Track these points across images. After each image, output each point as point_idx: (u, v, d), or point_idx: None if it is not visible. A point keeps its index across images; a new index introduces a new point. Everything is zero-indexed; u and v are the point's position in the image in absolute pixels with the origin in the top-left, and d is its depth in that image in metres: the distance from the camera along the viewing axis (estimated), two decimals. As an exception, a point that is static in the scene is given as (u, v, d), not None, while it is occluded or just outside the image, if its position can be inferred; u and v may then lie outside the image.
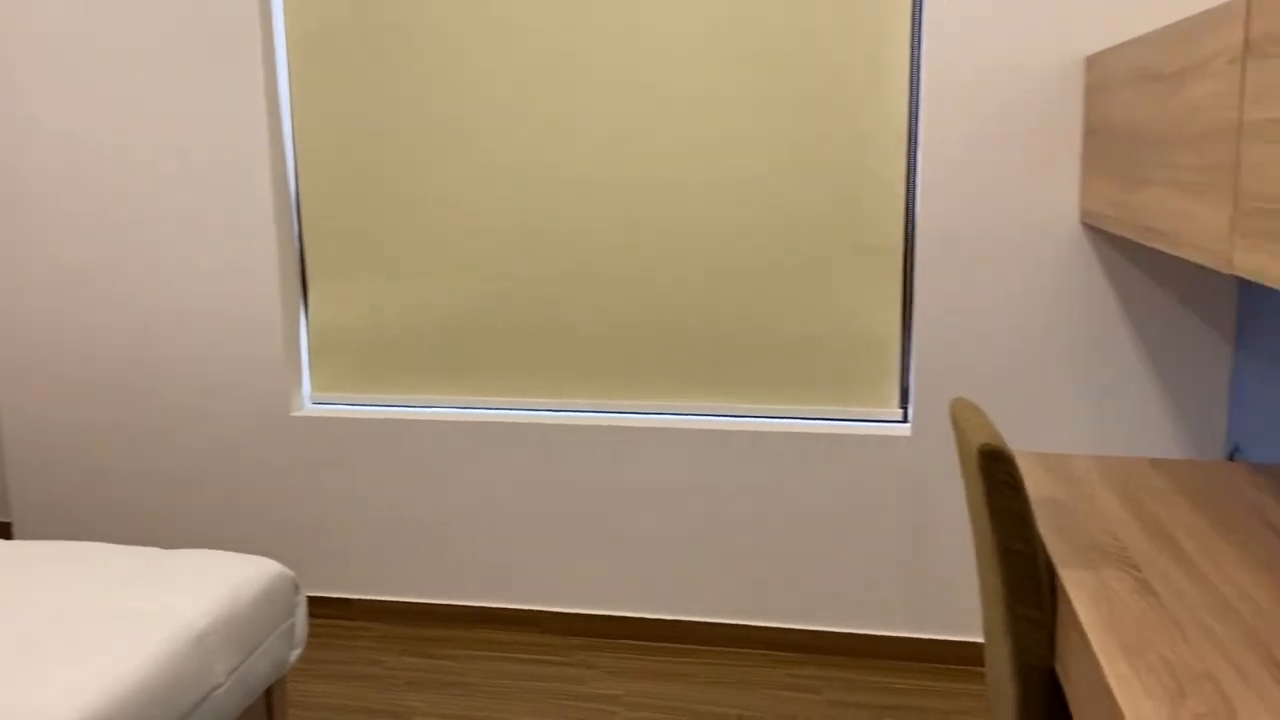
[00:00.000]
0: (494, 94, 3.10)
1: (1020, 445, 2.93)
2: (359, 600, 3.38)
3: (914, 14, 2.84)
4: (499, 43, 3.07)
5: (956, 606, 3.01)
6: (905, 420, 3.04)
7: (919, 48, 2.84)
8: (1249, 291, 2.69)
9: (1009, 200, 2.82)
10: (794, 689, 2.89)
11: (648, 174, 3.05)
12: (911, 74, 2.87)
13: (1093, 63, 2.64)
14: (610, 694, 2.88)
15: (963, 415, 1.85)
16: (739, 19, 2.93)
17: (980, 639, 3.00)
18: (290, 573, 2.39)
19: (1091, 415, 2.87)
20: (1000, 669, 1.79)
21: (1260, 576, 1.65)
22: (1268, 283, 1.48)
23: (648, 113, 3.02)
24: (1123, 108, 2.31)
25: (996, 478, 1.67)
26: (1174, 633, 1.46)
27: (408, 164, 3.18)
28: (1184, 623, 1.50)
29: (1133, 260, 2.79)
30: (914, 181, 2.92)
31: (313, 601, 3.40)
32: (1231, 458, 2.77)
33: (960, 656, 3.00)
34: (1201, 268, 2.76)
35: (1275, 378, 2.53)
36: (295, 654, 2.37)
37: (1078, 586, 1.62)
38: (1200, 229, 1.75)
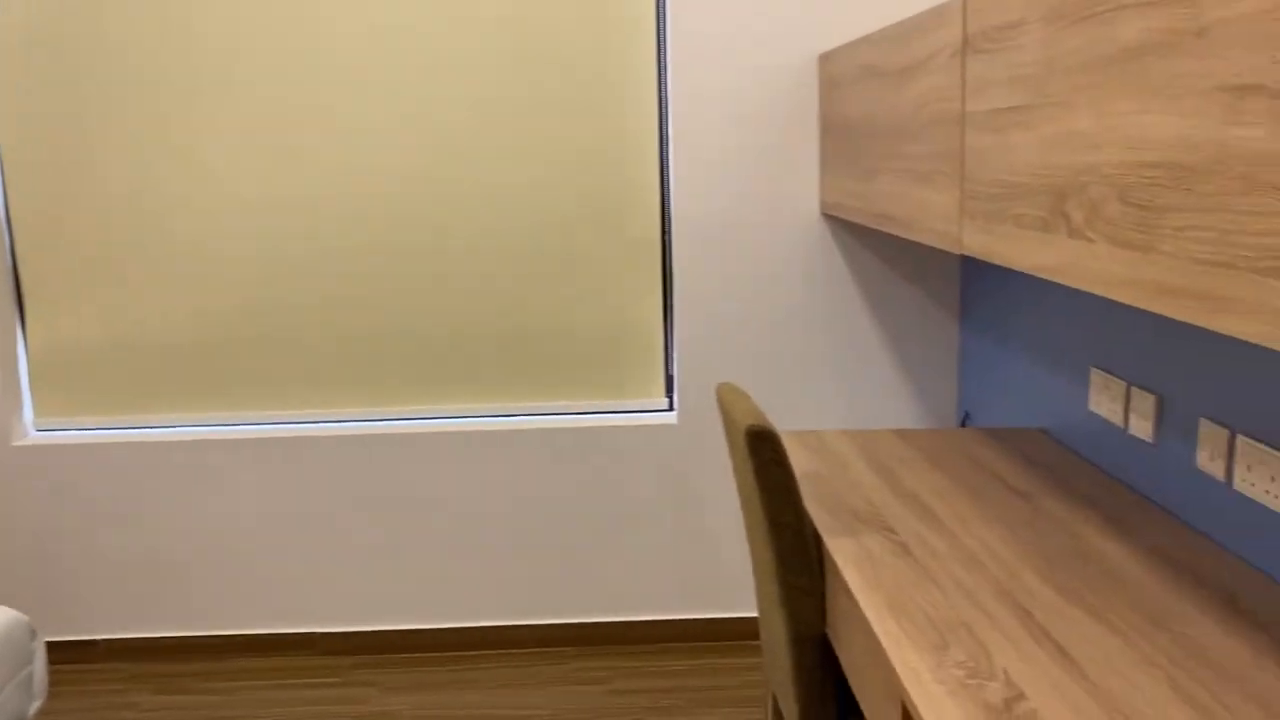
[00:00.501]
0: (227, 101, 2.92)
1: (779, 424, 3.07)
2: (105, 641, 3.11)
3: (658, 17, 2.91)
4: (224, 48, 2.90)
5: (728, 584, 3.11)
6: (671, 408, 3.12)
7: (664, 50, 2.92)
8: (970, 271, 2.93)
9: (756, 193, 2.95)
10: (577, 683, 2.90)
11: (403, 180, 2.97)
12: (659, 76, 2.94)
13: (825, 61, 2.80)
14: (392, 710, 2.79)
15: (729, 399, 1.91)
16: (494, 24, 2.90)
17: (753, 613, 3.13)
18: (24, 618, 2.17)
19: (839, 392, 3.05)
20: (776, 639, 1.86)
21: (1000, 531, 1.80)
22: (993, 260, 1.62)
23: (399, 117, 2.94)
24: (854, 104, 2.46)
25: (764, 456, 1.74)
26: (931, 588, 1.57)
27: (133, 174, 2.95)
28: (939, 578, 1.61)
29: (868, 246, 2.98)
30: (668, 178, 2.99)
31: (53, 647, 3.10)
32: (963, 424, 3.01)
33: (735, 632, 3.11)
34: (929, 251, 2.99)
35: (994, 350, 2.78)
36: (36, 706, 2.15)
37: (842, 553, 1.71)
38: (933, 214, 1.89)
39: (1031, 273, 1.46)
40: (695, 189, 2.94)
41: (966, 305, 2.97)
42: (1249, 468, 1.63)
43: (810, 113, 2.91)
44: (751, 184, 2.94)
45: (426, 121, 2.95)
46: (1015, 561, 1.67)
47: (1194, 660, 1.33)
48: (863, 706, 1.57)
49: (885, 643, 1.41)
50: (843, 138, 2.60)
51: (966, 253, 1.73)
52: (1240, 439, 1.66)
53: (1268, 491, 1.59)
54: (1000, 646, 1.39)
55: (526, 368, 3.07)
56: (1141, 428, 1.96)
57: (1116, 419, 2.06)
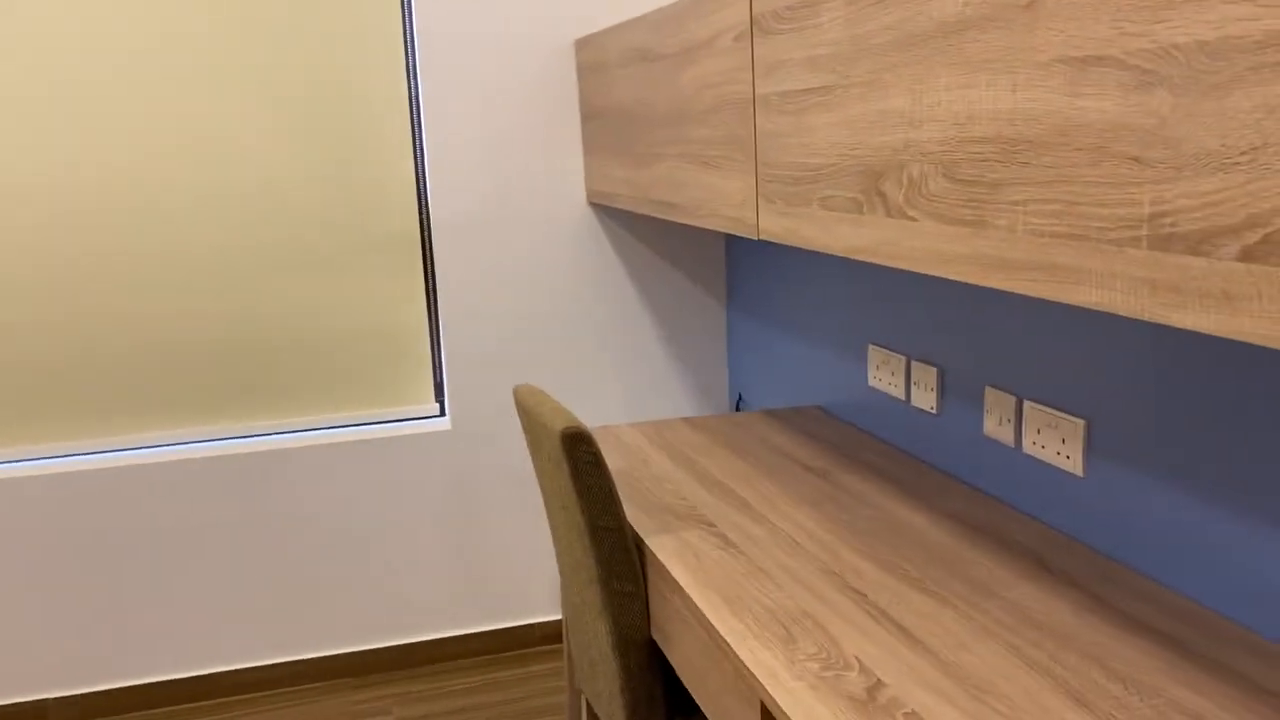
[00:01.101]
0: (-104, 80, 2.48)
1: (556, 423, 2.98)
2: None
3: (404, 5, 2.74)
4: (-105, 16, 2.46)
5: (514, 593, 3.00)
6: (443, 414, 2.96)
7: (411, 36, 2.75)
8: (736, 255, 2.97)
9: (518, 184, 2.84)
10: (360, 715, 2.70)
11: (137, 188, 2.63)
12: (408, 66, 2.77)
13: (583, 46, 2.73)
14: (151, 775, 2.49)
15: (531, 400, 1.81)
16: (225, 9, 2.62)
17: (543, 619, 3.03)
18: None
19: (614, 383, 3.00)
20: (597, 646, 1.78)
21: (809, 512, 1.81)
22: (798, 244, 1.61)
23: (127, 114, 2.60)
24: (624, 89, 2.41)
25: (581, 459, 1.65)
26: (763, 579, 1.54)
27: None
28: (767, 568, 1.58)
29: (635, 234, 2.95)
30: (423, 171, 2.83)
31: None
32: (738, 407, 3.05)
33: (525, 640, 3.01)
34: (695, 236, 3.00)
35: (763, 331, 2.82)
36: None
37: (666, 552, 1.66)
38: (723, 200, 1.87)
39: (845, 255, 1.45)
40: (453, 181, 2.80)
41: (733, 289, 3.01)
42: (1038, 431, 1.72)
43: (570, 99, 2.84)
44: (513, 174, 2.83)
45: (151, 118, 2.63)
46: (832, 541, 1.67)
47: (1026, 625, 1.37)
48: (703, 706, 1.52)
49: (732, 641, 1.36)
50: (611, 124, 2.55)
51: (765, 238, 1.72)
52: (1028, 404, 1.74)
53: (1059, 453, 1.67)
54: (845, 633, 1.37)
55: (278, 381, 2.82)
56: (925, 400, 2.03)
57: (898, 393, 2.13)
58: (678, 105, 2.06)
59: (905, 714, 1.18)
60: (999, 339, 1.81)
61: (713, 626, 1.42)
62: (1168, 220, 0.89)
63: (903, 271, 2.10)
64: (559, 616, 3.05)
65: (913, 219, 1.28)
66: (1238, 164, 0.81)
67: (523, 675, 2.85)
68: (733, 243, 2.97)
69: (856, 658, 1.30)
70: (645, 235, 2.96)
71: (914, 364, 2.07)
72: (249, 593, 2.82)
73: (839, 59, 1.42)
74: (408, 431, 2.87)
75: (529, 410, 1.82)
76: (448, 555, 2.94)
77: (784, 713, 1.20)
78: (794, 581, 1.53)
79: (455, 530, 2.93)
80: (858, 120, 1.38)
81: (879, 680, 1.25)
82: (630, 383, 3.02)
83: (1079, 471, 1.63)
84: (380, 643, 2.92)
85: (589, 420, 3.01)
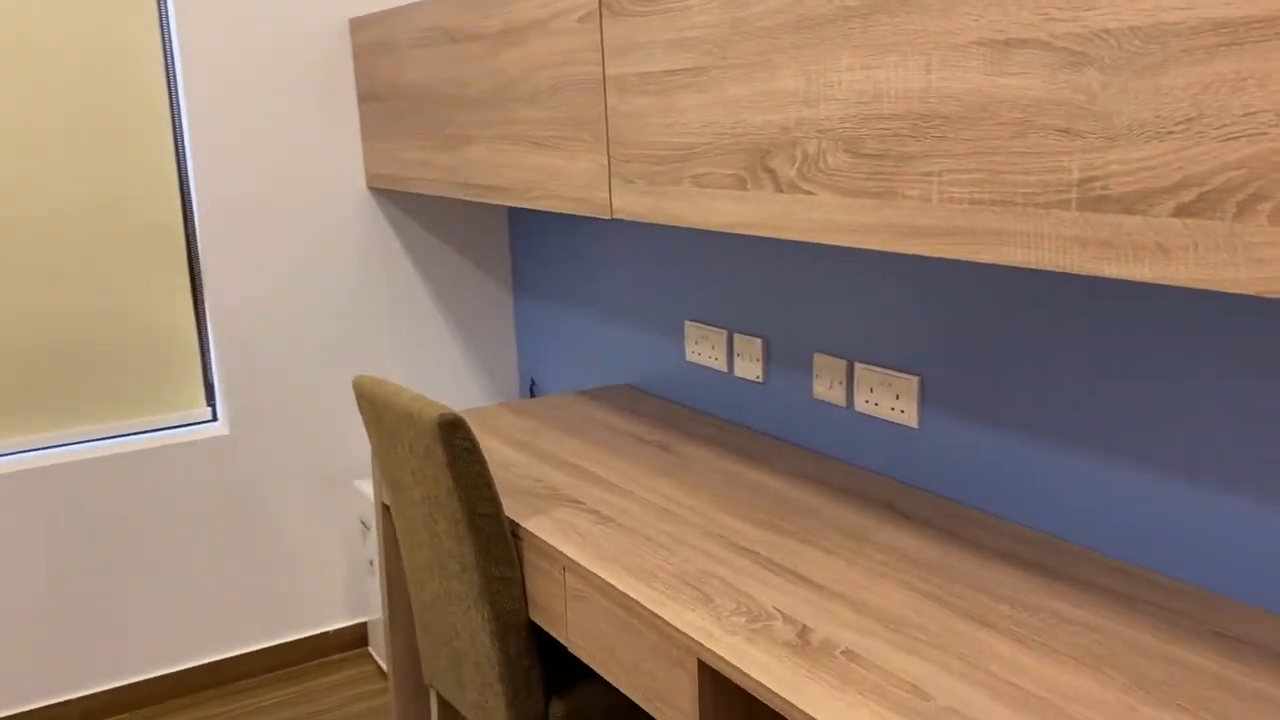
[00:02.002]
0: None
1: (349, 419, 2.86)
2: None
3: (158, -37, 2.51)
4: None
5: (311, 600, 2.85)
6: (215, 418, 2.75)
7: (167, 16, 2.52)
8: (521, 239, 2.97)
9: (288, 170, 2.69)
10: (154, 750, 2.48)
11: None
12: (164, 44, 2.54)
13: (360, 26, 2.63)
14: None
15: (381, 390, 1.74)
16: (-75, -47, 2.28)
17: (341, 624, 2.90)
18: None
19: (409, 373, 2.92)
20: (474, 637, 1.75)
21: (667, 482, 1.86)
22: (656, 221, 1.65)
23: None
24: (421, 70, 2.35)
25: (458, 445, 1.62)
26: (654, 548, 1.58)
27: None
28: (653, 537, 1.63)
29: (420, 221, 2.88)
30: (184, 157, 2.61)
31: None
32: (532, 393, 3.06)
33: (323, 649, 2.87)
34: (478, 221, 2.96)
35: (551, 316, 2.85)
36: None
37: (548, 532, 1.66)
38: (563, 180, 1.88)
39: (724, 230, 1.51)
40: (217, 167, 2.60)
41: (520, 273, 3.01)
42: (871, 390, 1.87)
43: (344, 80, 2.72)
44: (282, 159, 2.68)
45: None
46: (701, 506, 1.74)
47: (906, 564, 1.50)
48: (613, 678, 1.54)
49: (653, 607, 1.39)
50: (401, 105, 2.47)
51: (620, 216, 1.75)
52: (859, 366, 1.88)
53: (893, 409, 1.83)
54: (754, 587, 1.44)
55: (36, 391, 2.52)
56: (750, 370, 2.15)
57: (719, 365, 2.23)
58: (498, 86, 2.04)
59: (843, 652, 1.26)
60: (824, 307, 1.95)
61: (628, 596, 1.44)
62: (1098, 184, 1.02)
63: (719, 246, 2.20)
64: (359, 620, 2.93)
65: (809, 193, 1.36)
66: (1172, 133, 0.95)
67: (332, 684, 2.72)
68: (517, 227, 2.97)
69: (775, 608, 1.38)
70: (430, 221, 2.90)
71: (737, 336, 2.17)
72: (18, 631, 2.50)
73: (713, 42, 1.47)
74: (181, 439, 2.65)
75: (381, 400, 1.75)
76: (238, 567, 2.74)
77: (732, 665, 1.25)
78: (684, 547, 1.58)
79: (243, 540, 2.74)
80: (738, 100, 1.45)
81: (805, 626, 1.33)
82: (417, 374, 2.95)
83: (914, 424, 1.79)
84: (177, 665, 2.68)
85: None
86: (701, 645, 1.30)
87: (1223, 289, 0.93)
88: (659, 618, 1.38)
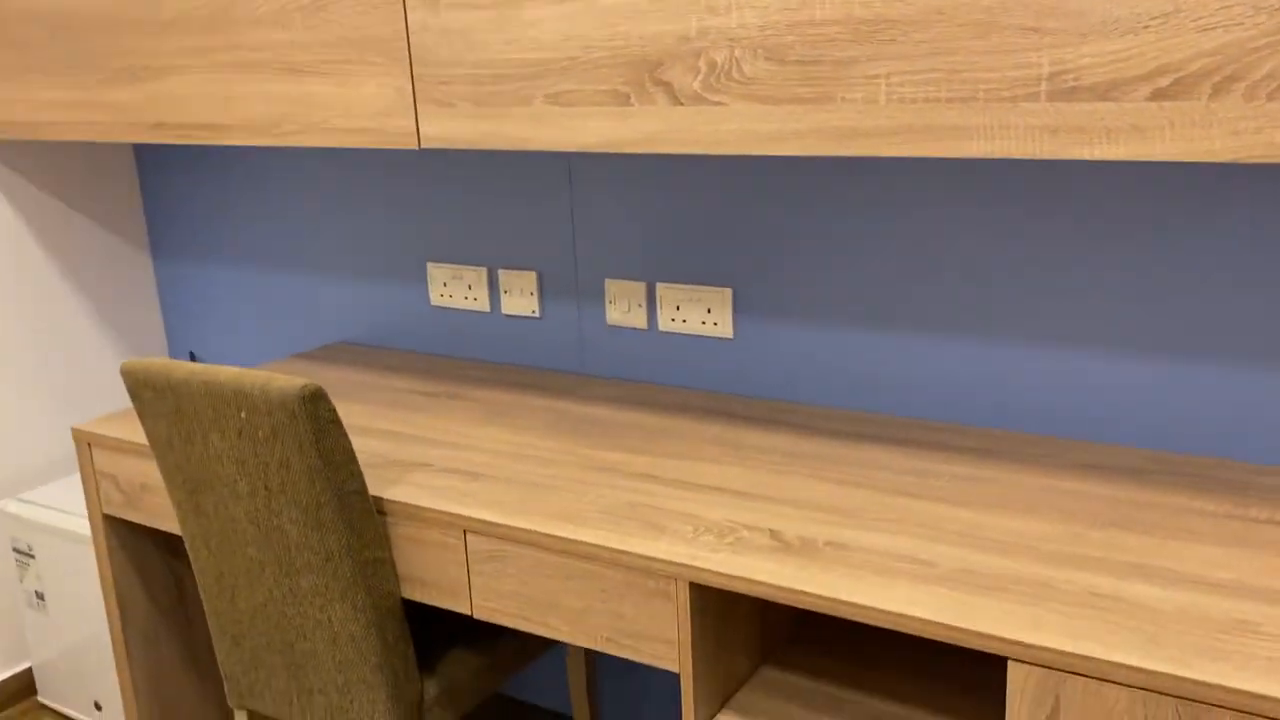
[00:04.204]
0: None
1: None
2: None
3: None
4: None
5: (-52, 661, 2.29)
6: None
7: None
8: (157, 196, 2.55)
9: None
10: None
11: None
12: None
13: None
14: None
15: (176, 371, 1.46)
16: None
17: (2, 675, 2.36)
18: None
19: (37, 362, 2.41)
20: (339, 631, 1.54)
21: (497, 429, 1.76)
22: (493, 146, 1.54)
23: None
24: (72, -13, 1.92)
25: (323, 418, 1.40)
26: (555, 492, 1.50)
27: None
28: (541, 482, 1.54)
29: (35, 182, 2.37)
30: None
31: None
32: (197, 368, 2.66)
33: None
34: (102, 176, 2.50)
35: (204, 277, 2.51)
36: None
37: (427, 498, 1.50)
38: (337, 109, 1.66)
39: (599, 149, 1.45)
40: None
41: (158, 235, 2.59)
42: (677, 308, 1.90)
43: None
44: None
45: None
46: (562, 446, 1.67)
47: (795, 459, 1.57)
48: (556, 633, 1.45)
49: (618, 546, 1.33)
50: (25, 36, 2.00)
51: (432, 145, 1.60)
52: (661, 286, 1.91)
53: (703, 323, 1.88)
54: (688, 508, 1.43)
55: None
56: (521, 305, 2.07)
57: (479, 305, 2.13)
58: (215, 6, 1.73)
59: (826, 544, 1.31)
60: (594, 234, 1.94)
61: (574, 541, 1.36)
62: (1070, 76, 1.14)
63: (441, 175, 2.08)
64: (21, 667, 2.41)
65: (717, 103, 1.35)
66: (1148, 27, 1.09)
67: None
68: (149, 179, 2.55)
69: (730, 521, 1.39)
70: (41, 177, 2.39)
71: (502, 273, 2.08)
72: None
73: (576, -52, 1.39)
74: None
75: (188, 384, 1.45)
76: None
77: (739, 578, 1.24)
78: (583, 485, 1.52)
79: None
80: (614, 9, 1.39)
81: (773, 530, 1.35)
82: (52, 361, 2.45)
83: (729, 334, 1.87)
84: None
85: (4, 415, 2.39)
86: (695, 569, 1.28)
87: (1199, 159, 1.09)
88: (627, 554, 1.32)
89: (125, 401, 2.58)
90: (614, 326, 1.99)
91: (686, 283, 1.89)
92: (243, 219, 2.42)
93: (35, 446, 2.41)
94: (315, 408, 1.39)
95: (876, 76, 1.24)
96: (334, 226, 2.28)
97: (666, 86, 1.38)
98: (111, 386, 2.56)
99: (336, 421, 1.42)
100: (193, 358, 2.66)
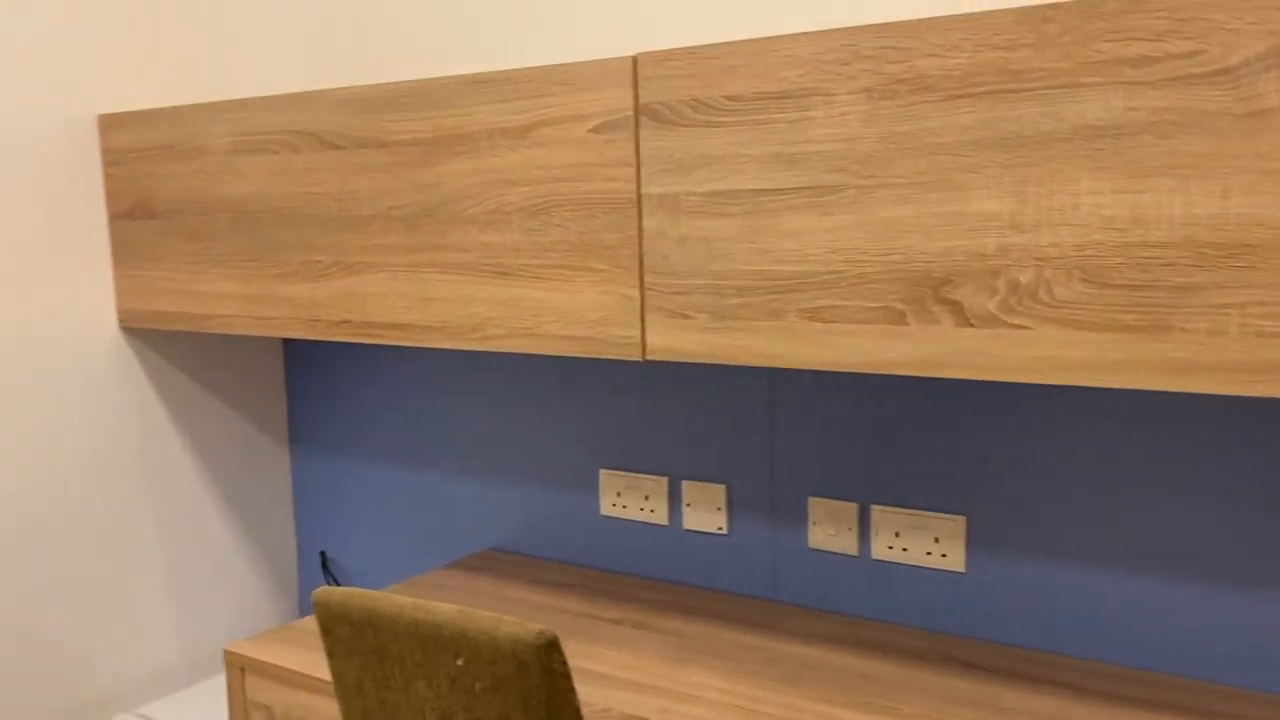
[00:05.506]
0: None
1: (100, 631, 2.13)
2: None
3: None
4: None
5: None
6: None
7: None
8: (297, 386, 2.45)
9: (13, 310, 2.00)
10: None
11: None
12: None
13: (118, 125, 2.05)
14: None
15: (381, 605, 1.29)
16: None
17: None
18: None
19: (170, 550, 2.26)
20: None
21: (697, 670, 1.56)
22: (732, 361, 1.40)
23: None
24: (253, 182, 1.86)
25: (557, 672, 1.22)
26: None
27: None
28: None
29: (182, 369, 2.28)
30: None
31: None
32: (325, 568, 2.50)
33: None
34: (253, 371, 2.41)
35: (330, 475, 2.38)
36: None
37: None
38: (558, 317, 1.55)
39: (864, 370, 1.30)
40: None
41: (297, 427, 2.48)
42: (896, 534, 1.72)
43: (90, 193, 2.10)
44: (5, 296, 2.00)
45: None
46: (781, 698, 1.46)
47: (1027, 718, 1.35)
48: None
49: None
50: (203, 225, 1.93)
51: (658, 358, 1.46)
52: (875, 509, 1.73)
53: (929, 554, 1.69)
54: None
55: None
56: (706, 522, 1.90)
57: (655, 518, 1.96)
58: (420, 204, 1.65)
59: None
60: (806, 447, 1.77)
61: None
62: None
63: (628, 384, 1.94)
64: None
65: (1019, 326, 1.20)
66: None
67: None
68: (294, 370, 2.46)
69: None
70: (194, 371, 2.30)
71: (685, 484, 1.92)
72: None
73: (849, 157, 1.29)
74: None
75: (394, 620, 1.28)
76: None
77: None
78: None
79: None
80: (892, 225, 1.27)
81: None
82: (185, 545, 2.30)
83: (960, 568, 1.67)
84: None
85: (129, 624, 2.22)
86: None
87: None
88: None
89: (243, 600, 2.42)
90: (817, 550, 1.80)
91: (906, 507, 1.71)
92: (385, 413, 2.30)
93: (147, 651, 2.23)
94: (549, 659, 1.20)
95: (1227, 306, 1.09)
96: (490, 425, 2.15)
97: (954, 306, 1.24)
98: (231, 583, 2.40)
99: (568, 675, 1.23)
100: (324, 558, 2.50)
